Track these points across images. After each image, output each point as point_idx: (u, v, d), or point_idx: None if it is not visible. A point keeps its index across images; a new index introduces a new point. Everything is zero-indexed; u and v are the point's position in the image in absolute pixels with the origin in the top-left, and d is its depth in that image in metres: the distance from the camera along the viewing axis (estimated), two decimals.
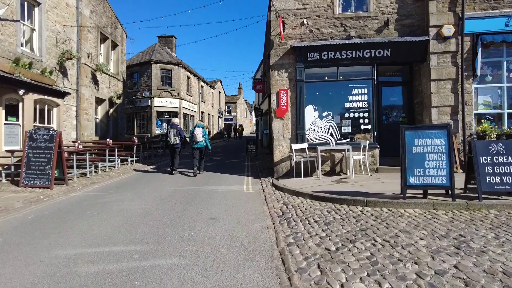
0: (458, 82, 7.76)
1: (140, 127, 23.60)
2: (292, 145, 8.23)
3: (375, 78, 8.40)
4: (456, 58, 7.78)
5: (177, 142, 9.47)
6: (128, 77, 23.85)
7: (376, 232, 3.92)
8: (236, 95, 53.90)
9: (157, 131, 23.00)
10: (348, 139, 8.52)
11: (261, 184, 7.83)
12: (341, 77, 8.52)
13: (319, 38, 8.46)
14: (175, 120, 10.07)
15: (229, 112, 49.95)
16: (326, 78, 8.63)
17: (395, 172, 7.74)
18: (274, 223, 4.48)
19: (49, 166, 7.18)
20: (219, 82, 38.02)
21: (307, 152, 8.28)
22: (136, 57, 24.97)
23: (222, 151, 18.99)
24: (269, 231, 4.16)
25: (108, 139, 10.82)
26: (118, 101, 16.75)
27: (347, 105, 8.54)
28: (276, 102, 8.59)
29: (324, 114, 8.60)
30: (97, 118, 15.33)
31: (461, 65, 7.70)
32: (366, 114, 8.47)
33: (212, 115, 34.29)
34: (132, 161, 12.05)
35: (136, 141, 12.31)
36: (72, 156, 8.79)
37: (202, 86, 30.14)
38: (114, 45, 16.82)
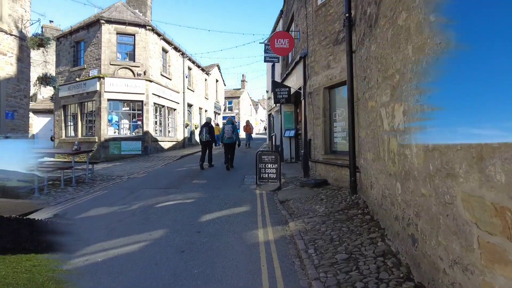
0: None
1: (87, 127, 15.07)
2: None
3: None
4: None
5: (209, 139, 10.06)
6: (71, 48, 15.37)
7: None
8: (239, 88, 45.21)
9: (111, 133, 14.40)
10: None
11: None
12: None
13: None
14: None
15: (230, 108, 41.38)
16: None
17: None
18: None
19: None
20: (216, 67, 29.13)
21: None
22: (87, 20, 16.45)
23: (208, 171, 10.34)
24: None
25: None
26: (1, 72, 8.31)
27: None
28: None
29: None
30: None
31: None
32: None
33: (206, 110, 25.53)
34: None
35: None
36: None
37: (189, 68, 21.38)
38: None
